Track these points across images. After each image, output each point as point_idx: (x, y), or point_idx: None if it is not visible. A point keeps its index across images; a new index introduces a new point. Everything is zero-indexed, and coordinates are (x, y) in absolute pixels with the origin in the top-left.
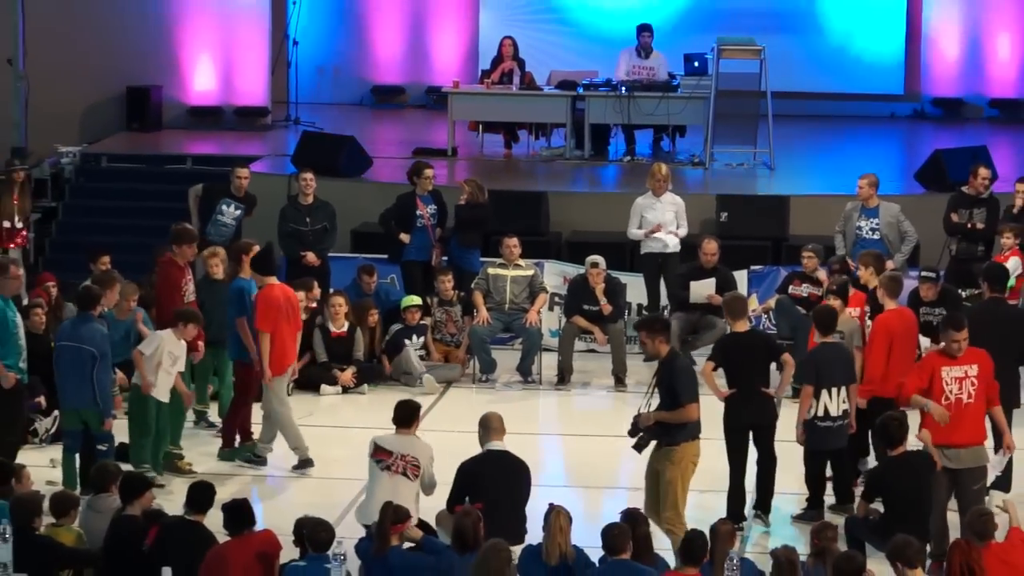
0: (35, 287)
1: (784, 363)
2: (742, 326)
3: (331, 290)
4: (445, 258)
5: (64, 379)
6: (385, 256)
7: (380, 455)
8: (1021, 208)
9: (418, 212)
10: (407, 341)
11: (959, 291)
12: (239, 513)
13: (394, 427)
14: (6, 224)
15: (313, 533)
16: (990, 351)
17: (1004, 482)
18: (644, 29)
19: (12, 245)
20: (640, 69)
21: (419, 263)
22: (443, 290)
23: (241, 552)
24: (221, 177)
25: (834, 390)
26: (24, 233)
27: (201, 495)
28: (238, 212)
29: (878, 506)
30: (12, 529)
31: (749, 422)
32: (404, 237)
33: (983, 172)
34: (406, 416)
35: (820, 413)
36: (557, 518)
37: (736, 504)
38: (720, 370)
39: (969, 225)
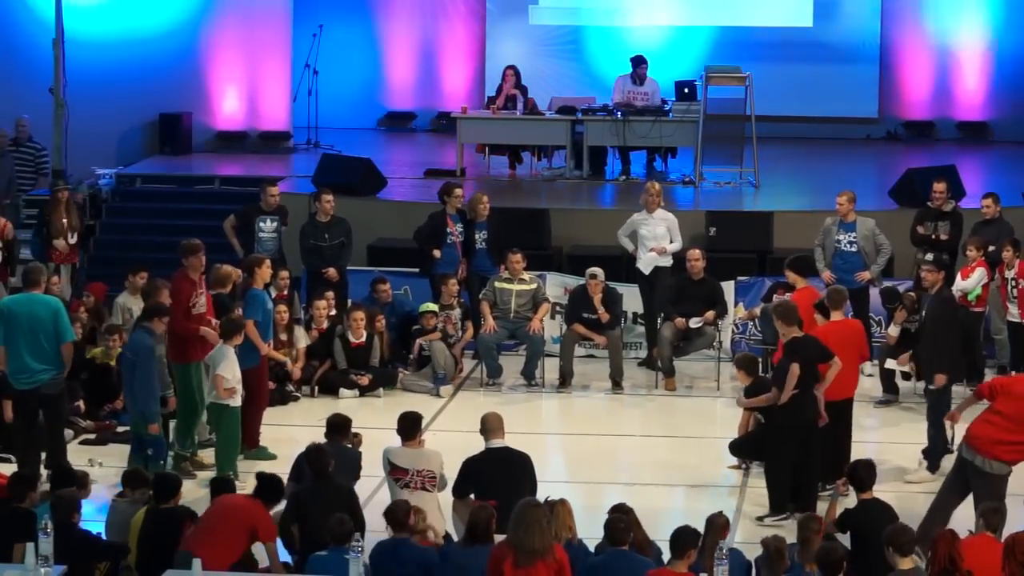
0: (76, 298)
1: (832, 365)
2: (796, 331)
3: (349, 302)
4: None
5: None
6: (402, 268)
7: (397, 474)
8: (987, 220)
9: (448, 230)
10: (426, 339)
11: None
12: (273, 485)
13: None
14: (60, 242)
15: (334, 529)
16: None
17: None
18: (640, 61)
19: (68, 262)
20: (635, 95)
21: (448, 276)
22: (447, 294)
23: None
24: (247, 196)
25: None
26: (76, 250)
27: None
28: (275, 225)
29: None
30: (53, 524)
31: (806, 420)
32: (436, 253)
33: (937, 187)
34: (410, 429)
35: None
36: (562, 508)
37: (782, 497)
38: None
39: (933, 236)
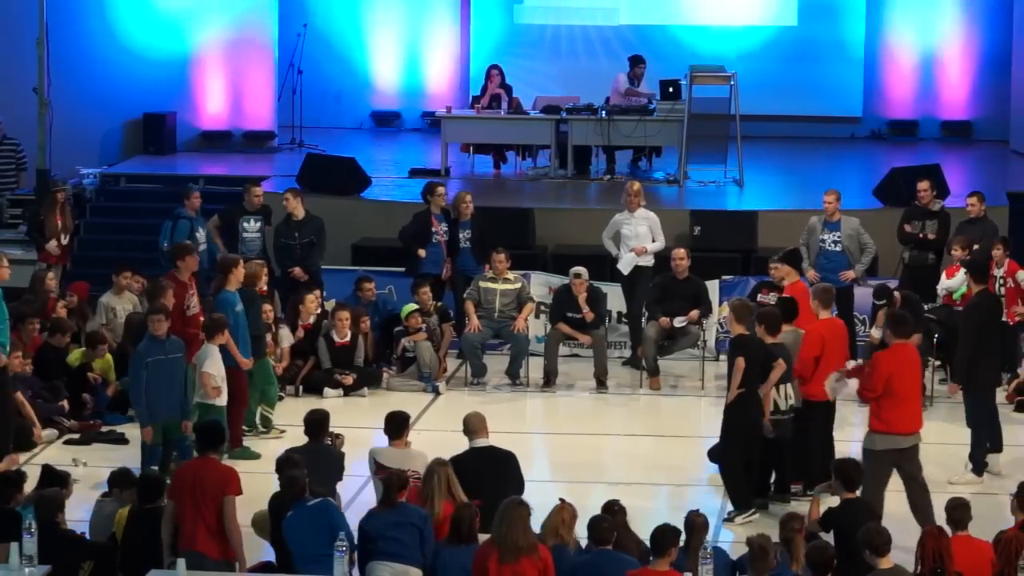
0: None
1: (775, 367)
2: (744, 330)
3: (332, 302)
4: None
5: (156, 393)
6: (386, 268)
7: (383, 473)
8: (972, 219)
9: (433, 229)
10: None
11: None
12: (211, 434)
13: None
14: (53, 243)
15: (288, 488)
16: (998, 332)
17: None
18: (639, 61)
19: (60, 263)
20: (632, 94)
21: (433, 276)
22: (422, 301)
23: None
24: (231, 196)
25: (782, 386)
26: (68, 251)
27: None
28: (259, 225)
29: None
30: (37, 524)
31: (756, 420)
32: (421, 252)
33: (921, 185)
34: (397, 428)
35: (771, 408)
36: (560, 512)
37: (743, 494)
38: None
39: (921, 235)
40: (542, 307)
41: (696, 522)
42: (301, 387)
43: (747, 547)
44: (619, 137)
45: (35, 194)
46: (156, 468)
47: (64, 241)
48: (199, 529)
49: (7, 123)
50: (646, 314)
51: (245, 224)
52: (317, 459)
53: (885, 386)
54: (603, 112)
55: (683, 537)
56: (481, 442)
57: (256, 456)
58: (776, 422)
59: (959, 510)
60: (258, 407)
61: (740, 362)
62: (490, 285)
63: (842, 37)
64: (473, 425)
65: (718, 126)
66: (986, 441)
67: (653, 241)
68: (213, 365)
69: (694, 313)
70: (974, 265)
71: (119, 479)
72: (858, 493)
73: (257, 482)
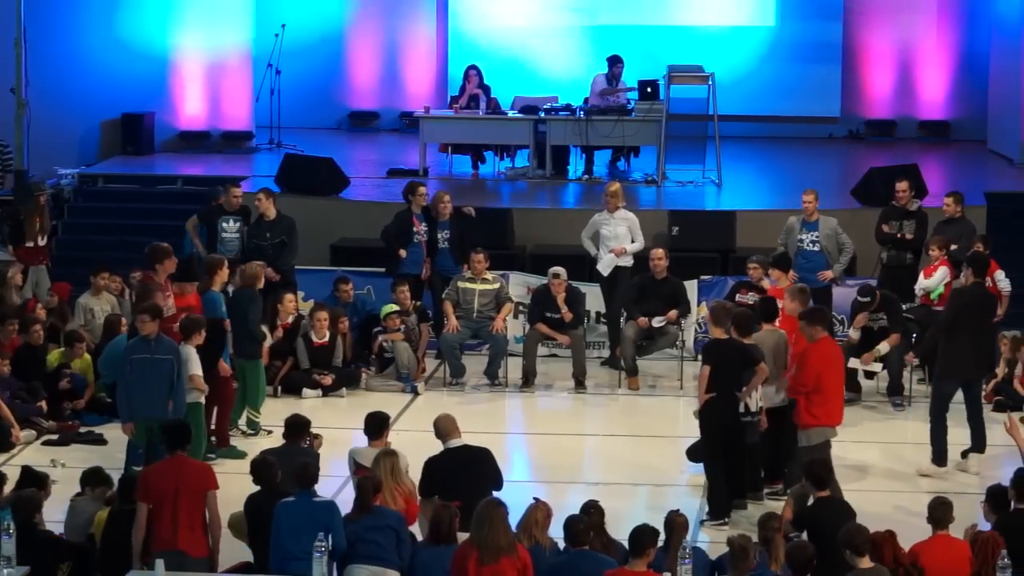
0: (30, 299)
1: (757, 371)
2: (722, 333)
3: (309, 301)
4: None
5: (137, 391)
6: (364, 268)
7: (362, 473)
8: (948, 219)
9: (414, 229)
10: (389, 338)
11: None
12: (180, 432)
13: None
14: (30, 244)
15: (299, 474)
16: (980, 327)
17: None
18: (616, 61)
19: (39, 263)
20: (610, 93)
21: (413, 276)
22: (400, 300)
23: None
24: (210, 196)
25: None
26: (47, 251)
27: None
28: (238, 225)
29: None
30: (15, 525)
31: (727, 422)
32: (402, 252)
33: (899, 185)
34: (377, 428)
35: (741, 410)
36: (534, 512)
37: (720, 502)
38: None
39: (899, 235)
40: (520, 307)
41: (676, 522)
42: (280, 387)
43: (727, 547)
44: (597, 137)
45: (13, 194)
46: (139, 469)
47: (42, 242)
48: (180, 527)
49: None
50: (624, 314)
51: (224, 224)
52: (292, 460)
53: (815, 382)
54: (581, 112)
55: (662, 537)
56: (455, 442)
57: (242, 455)
58: (745, 424)
59: (940, 509)
60: (244, 409)
61: (704, 371)
62: (468, 285)
63: (820, 37)
64: (444, 427)
65: (696, 126)
66: (944, 429)
67: (632, 242)
68: (196, 366)
69: (672, 313)
70: (974, 259)
71: (90, 478)
72: (829, 492)
73: (237, 483)
